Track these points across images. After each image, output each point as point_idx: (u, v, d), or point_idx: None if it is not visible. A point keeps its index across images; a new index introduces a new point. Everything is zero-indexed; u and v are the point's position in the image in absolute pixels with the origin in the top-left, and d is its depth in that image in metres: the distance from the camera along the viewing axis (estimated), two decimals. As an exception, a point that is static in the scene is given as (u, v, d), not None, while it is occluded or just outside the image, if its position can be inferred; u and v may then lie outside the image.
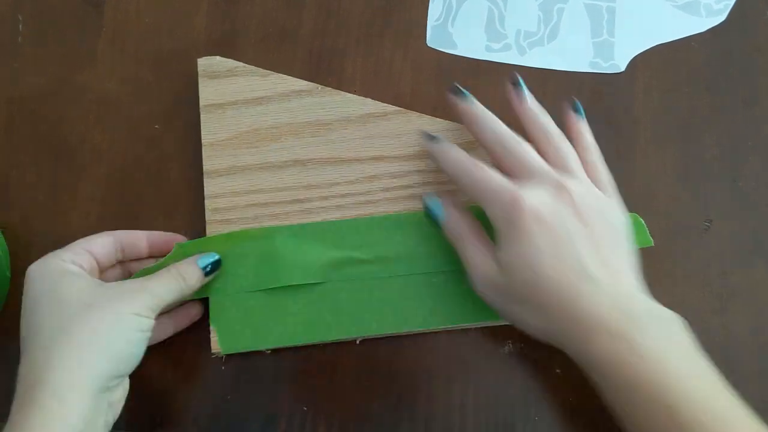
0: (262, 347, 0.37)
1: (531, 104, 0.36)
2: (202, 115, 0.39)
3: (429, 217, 0.37)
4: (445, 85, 0.42)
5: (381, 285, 0.38)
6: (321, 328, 0.37)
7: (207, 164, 0.39)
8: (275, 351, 0.38)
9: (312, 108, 0.40)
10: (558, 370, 0.38)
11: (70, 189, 0.41)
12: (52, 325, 0.31)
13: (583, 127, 0.37)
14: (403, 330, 0.37)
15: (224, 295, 0.37)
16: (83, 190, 0.41)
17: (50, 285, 0.32)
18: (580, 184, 0.34)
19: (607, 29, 0.42)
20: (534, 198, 0.32)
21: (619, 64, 0.42)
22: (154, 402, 0.38)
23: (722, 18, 0.42)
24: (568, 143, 0.36)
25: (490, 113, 0.36)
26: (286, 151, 0.39)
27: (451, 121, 0.40)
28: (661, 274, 0.39)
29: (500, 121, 0.36)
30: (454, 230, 0.36)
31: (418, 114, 0.40)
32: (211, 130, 0.39)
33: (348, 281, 0.38)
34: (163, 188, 0.40)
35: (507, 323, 0.35)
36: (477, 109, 0.36)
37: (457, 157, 0.35)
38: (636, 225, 0.37)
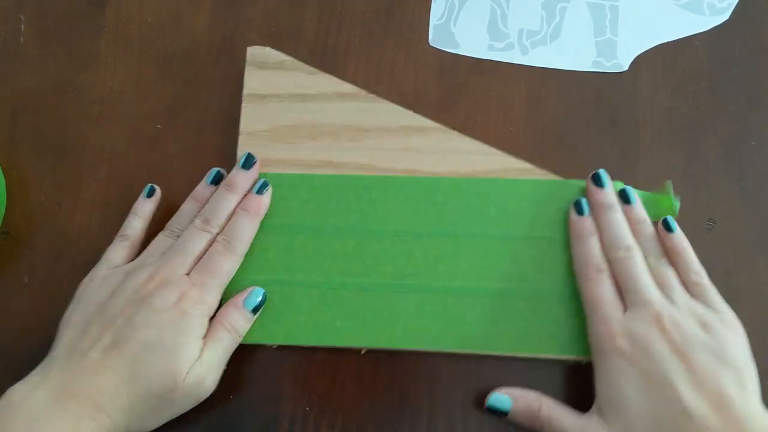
0: (269, 342, 0.37)
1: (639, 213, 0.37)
2: (243, 104, 0.39)
3: (494, 412, 0.36)
4: (447, 84, 0.42)
5: (395, 298, 0.37)
6: (330, 333, 0.37)
7: (241, 153, 0.39)
8: (278, 350, 0.38)
9: (353, 112, 0.40)
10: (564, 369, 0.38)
11: (72, 189, 0.41)
12: None
13: (682, 242, 0.36)
14: (410, 348, 0.37)
15: (238, 286, 0.37)
16: (85, 190, 0.41)
17: None
18: (678, 311, 0.33)
19: (610, 28, 0.42)
20: (629, 336, 0.32)
21: (622, 63, 0.42)
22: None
23: (725, 17, 0.42)
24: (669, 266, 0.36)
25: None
26: (321, 152, 0.39)
27: (489, 147, 0.39)
28: (664, 273, 0.39)
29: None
30: (528, 408, 0.35)
31: (459, 133, 0.40)
32: (250, 119, 0.39)
33: (361, 290, 0.38)
34: (165, 188, 0.40)
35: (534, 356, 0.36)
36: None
37: (588, 247, 0.36)
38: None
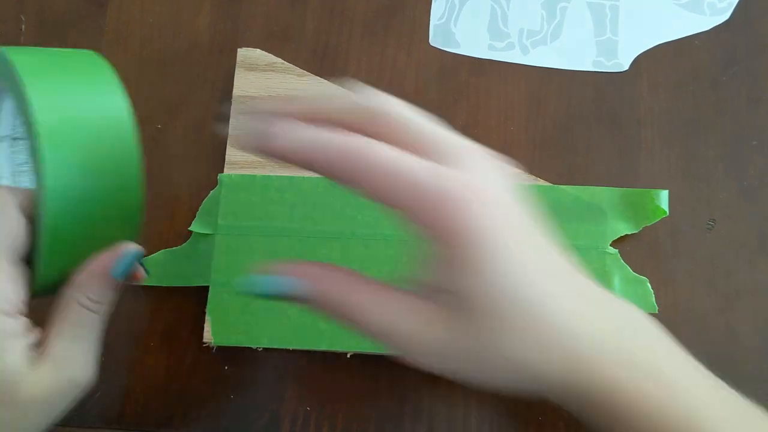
0: (253, 345, 0.37)
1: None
2: (232, 106, 0.39)
3: (270, 297, 0.25)
4: (448, 84, 0.42)
5: None
6: (313, 336, 0.37)
7: (230, 155, 0.39)
8: (278, 350, 0.38)
9: None
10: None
11: (73, 189, 0.41)
12: None
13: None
14: (397, 353, 0.36)
15: (225, 287, 0.37)
16: (86, 190, 0.41)
17: None
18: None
19: (611, 28, 0.42)
20: (489, 184, 0.23)
21: (623, 62, 0.42)
22: (156, 402, 0.38)
23: (726, 16, 0.42)
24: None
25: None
26: None
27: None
28: (664, 274, 0.39)
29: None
30: (332, 294, 0.24)
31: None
32: (239, 121, 0.39)
33: None
34: (165, 188, 0.40)
35: None
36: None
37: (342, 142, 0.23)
38: (643, 290, 0.37)
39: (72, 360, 0.27)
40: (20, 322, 0.26)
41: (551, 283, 0.23)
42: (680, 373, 0.24)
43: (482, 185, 0.22)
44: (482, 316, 0.22)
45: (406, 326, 0.23)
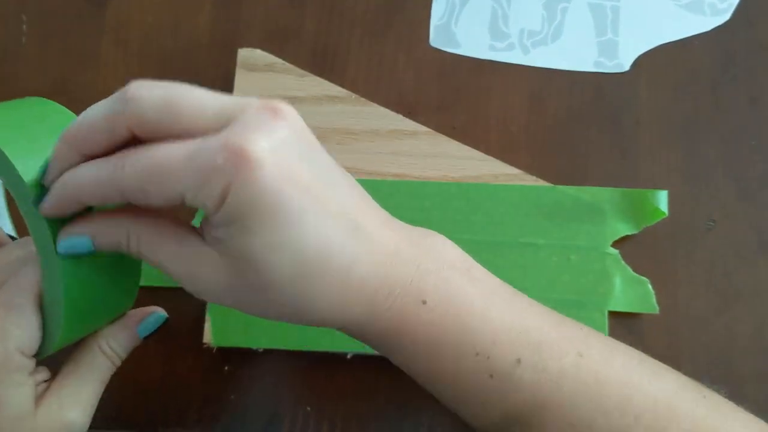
0: (253, 346, 0.37)
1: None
2: None
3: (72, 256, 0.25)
4: (448, 84, 0.42)
5: None
6: (313, 337, 0.37)
7: None
8: (278, 351, 0.38)
9: (342, 115, 0.40)
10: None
11: (73, 189, 0.41)
12: None
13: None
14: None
15: None
16: (87, 190, 0.41)
17: None
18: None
19: (611, 28, 0.42)
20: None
21: (623, 63, 0.42)
22: (156, 402, 0.38)
23: (726, 17, 0.42)
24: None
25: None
26: None
27: (479, 152, 0.39)
28: (664, 274, 0.39)
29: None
30: (130, 245, 0.25)
31: (448, 138, 0.40)
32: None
33: None
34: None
35: None
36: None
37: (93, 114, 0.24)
38: (644, 290, 0.37)
39: (76, 402, 0.28)
40: (33, 363, 0.27)
41: (326, 229, 0.23)
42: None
43: (247, 147, 0.22)
44: (256, 272, 0.23)
45: (191, 269, 0.24)
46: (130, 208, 0.25)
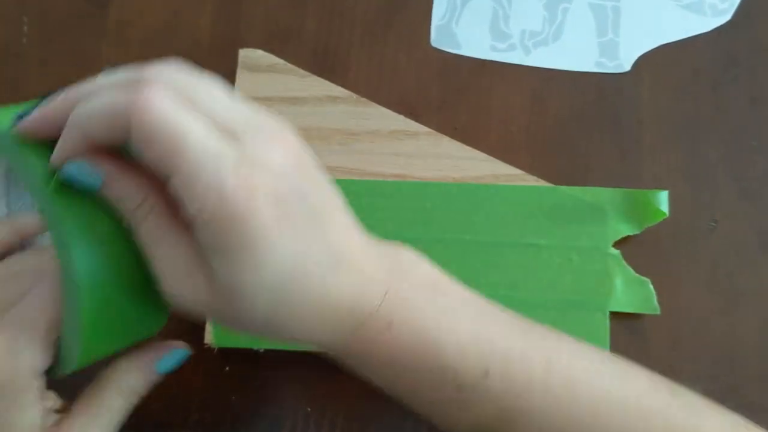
0: (254, 346, 0.37)
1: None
2: None
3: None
4: (449, 85, 0.42)
5: None
6: None
7: None
8: (278, 352, 0.38)
9: (344, 116, 0.40)
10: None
11: (74, 189, 0.41)
12: None
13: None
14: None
15: None
16: (88, 191, 0.41)
17: None
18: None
19: (612, 29, 0.42)
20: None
21: (624, 63, 0.42)
22: (156, 403, 0.38)
23: (727, 17, 0.42)
24: None
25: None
26: None
27: (480, 152, 0.39)
28: (665, 274, 0.39)
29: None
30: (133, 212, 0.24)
31: (449, 139, 0.40)
32: None
33: None
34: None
35: None
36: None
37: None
38: (645, 291, 0.37)
39: None
40: (43, 384, 0.26)
41: (305, 259, 0.23)
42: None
43: (251, 172, 0.22)
44: (232, 298, 0.23)
45: (177, 279, 0.24)
46: (157, 183, 0.23)
